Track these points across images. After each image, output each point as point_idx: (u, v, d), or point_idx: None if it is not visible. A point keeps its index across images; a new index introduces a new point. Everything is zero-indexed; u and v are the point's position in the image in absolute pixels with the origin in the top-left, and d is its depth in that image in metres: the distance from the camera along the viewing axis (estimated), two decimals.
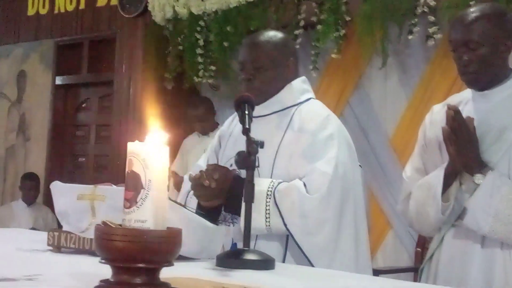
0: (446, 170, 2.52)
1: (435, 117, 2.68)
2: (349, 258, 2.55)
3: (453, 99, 2.73)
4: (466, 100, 2.65)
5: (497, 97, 2.55)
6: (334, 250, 2.51)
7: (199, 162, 2.91)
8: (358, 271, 2.48)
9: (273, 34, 2.80)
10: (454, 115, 2.44)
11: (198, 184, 2.54)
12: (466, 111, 2.56)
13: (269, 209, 2.50)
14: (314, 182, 2.50)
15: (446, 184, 2.52)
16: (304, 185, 2.51)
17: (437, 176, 2.54)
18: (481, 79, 2.53)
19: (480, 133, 2.50)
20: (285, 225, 2.49)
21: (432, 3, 4.82)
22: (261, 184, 2.51)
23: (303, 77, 2.82)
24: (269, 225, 2.50)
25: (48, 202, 6.53)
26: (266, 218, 2.50)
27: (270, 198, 2.50)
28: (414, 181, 2.68)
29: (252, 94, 2.52)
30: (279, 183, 2.54)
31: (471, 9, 2.56)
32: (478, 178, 2.46)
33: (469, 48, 2.50)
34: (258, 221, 2.47)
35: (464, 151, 2.47)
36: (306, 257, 2.48)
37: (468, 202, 2.49)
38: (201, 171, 2.56)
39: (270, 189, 2.52)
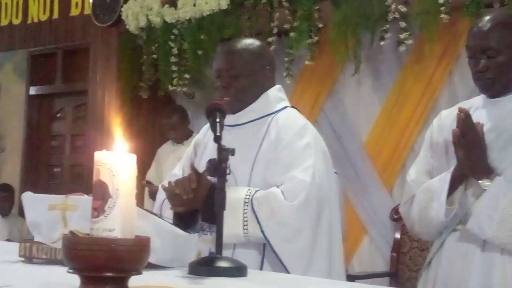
0: (453, 173, 2.53)
1: (443, 122, 2.71)
2: (324, 266, 2.56)
3: (464, 105, 2.73)
4: (475, 106, 2.68)
5: (509, 105, 2.58)
6: (310, 258, 2.52)
7: (174, 171, 2.91)
8: (332, 278, 2.49)
9: (250, 42, 2.80)
10: (464, 118, 2.47)
11: (172, 194, 2.54)
12: (477, 117, 2.58)
13: (246, 217, 2.50)
14: (292, 190, 2.51)
15: (452, 188, 2.53)
16: (282, 193, 2.52)
17: (443, 179, 2.55)
18: (496, 85, 2.57)
19: (490, 139, 2.52)
20: (262, 232, 2.50)
21: (403, 9, 4.86)
22: (239, 192, 2.52)
23: (279, 86, 2.83)
24: (247, 233, 2.51)
25: (23, 213, 6.49)
26: (244, 225, 2.51)
27: (248, 206, 2.51)
28: (418, 184, 2.69)
29: (228, 102, 2.52)
30: (256, 191, 2.55)
31: (489, 17, 2.59)
32: (485, 182, 2.47)
33: (487, 55, 2.54)
34: (236, 228, 2.48)
35: (472, 155, 2.48)
36: (283, 264, 2.48)
37: (473, 207, 2.50)
38: (175, 182, 2.55)
39: (247, 196, 2.53)
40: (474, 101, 2.72)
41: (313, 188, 2.53)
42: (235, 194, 2.45)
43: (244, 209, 2.51)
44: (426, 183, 2.65)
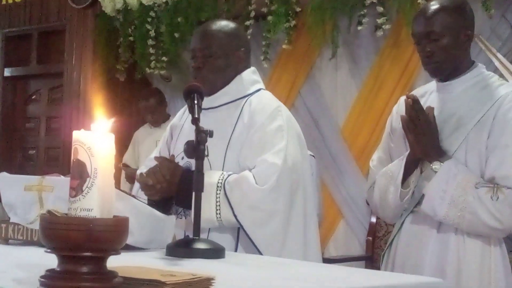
0: (407, 158, 2.61)
1: (401, 108, 2.75)
2: (298, 249, 2.56)
3: (419, 90, 2.83)
4: (430, 91, 2.75)
5: (459, 87, 2.64)
6: (284, 241, 2.52)
7: (152, 156, 2.90)
8: (307, 261, 2.50)
9: (225, 24, 2.79)
10: (412, 104, 2.52)
11: (146, 185, 2.54)
12: (430, 101, 2.67)
13: (219, 201, 2.50)
14: (263, 174, 2.51)
15: (407, 172, 2.60)
16: (253, 176, 2.52)
17: (399, 164, 2.63)
18: (444, 69, 2.62)
19: (441, 122, 2.59)
20: (235, 216, 2.49)
21: None
22: (212, 176, 2.51)
23: (253, 68, 2.82)
24: (219, 217, 2.50)
25: None
26: (217, 210, 2.50)
27: (220, 190, 2.50)
28: (379, 169, 2.76)
29: (201, 83, 2.52)
30: (229, 175, 2.54)
31: (432, 2, 2.65)
32: (436, 165, 2.55)
33: (431, 39, 2.59)
34: (209, 213, 2.48)
35: (423, 139, 2.55)
36: (257, 248, 2.49)
37: (425, 189, 2.57)
38: (146, 172, 2.55)
39: (220, 181, 2.52)
40: (430, 86, 2.79)
41: (284, 171, 2.52)
42: (209, 178, 2.44)
43: (217, 193, 2.50)
44: (385, 168, 2.72)
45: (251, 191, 2.49)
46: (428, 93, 2.75)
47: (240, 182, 2.51)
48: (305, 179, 2.64)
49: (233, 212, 2.49)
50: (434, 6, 2.62)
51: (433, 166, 2.55)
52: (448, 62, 2.61)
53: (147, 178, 2.53)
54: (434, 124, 2.56)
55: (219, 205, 2.50)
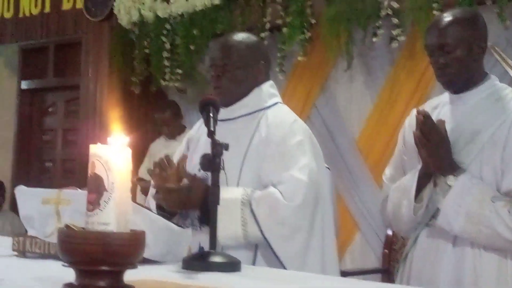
0: (420, 172, 2.58)
1: (414, 121, 2.74)
2: (317, 262, 2.57)
3: (431, 102, 2.81)
4: (443, 103, 2.73)
5: (472, 99, 2.62)
6: (305, 255, 2.54)
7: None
8: (325, 274, 2.50)
9: (246, 36, 2.82)
10: (423, 120, 2.50)
11: (165, 190, 2.55)
12: (443, 114, 2.65)
13: (245, 218, 2.51)
14: (290, 190, 2.52)
15: (420, 186, 2.58)
16: (280, 193, 2.52)
17: (411, 178, 2.61)
18: (458, 81, 2.61)
19: (454, 135, 2.57)
20: (261, 232, 2.50)
21: (396, 6, 4.87)
22: (234, 193, 2.52)
23: (271, 82, 2.83)
24: (246, 233, 2.51)
25: (15, 208, 6.48)
26: (243, 226, 2.51)
27: (245, 206, 2.51)
28: (392, 183, 2.75)
29: (219, 93, 2.53)
30: (252, 191, 2.55)
31: (445, 14, 2.64)
32: (450, 179, 2.52)
33: (444, 51, 2.58)
34: (234, 229, 2.49)
35: (436, 153, 2.53)
36: (281, 263, 2.49)
37: (441, 203, 2.55)
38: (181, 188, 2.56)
39: (244, 197, 2.53)
40: (442, 98, 2.77)
41: (310, 187, 2.55)
42: (230, 194, 2.46)
43: (242, 210, 2.51)
44: (398, 181, 2.71)
45: (279, 207, 2.50)
46: (441, 105, 2.73)
47: (267, 199, 2.52)
48: (324, 193, 2.65)
49: (260, 228, 2.50)
50: (447, 18, 2.61)
51: (448, 180, 2.53)
52: (461, 74, 2.60)
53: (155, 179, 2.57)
54: (446, 138, 2.54)
55: (245, 222, 2.50)
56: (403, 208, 2.63)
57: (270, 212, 2.50)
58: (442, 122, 2.56)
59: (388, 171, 2.84)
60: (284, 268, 2.47)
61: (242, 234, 2.51)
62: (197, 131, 2.90)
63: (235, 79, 2.70)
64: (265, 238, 2.50)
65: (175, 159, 2.91)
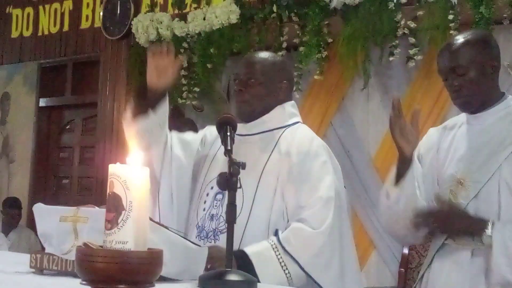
0: (398, 160, 2.65)
1: (430, 139, 2.79)
2: (353, 279, 2.64)
3: (449, 123, 2.83)
4: (460, 123, 2.74)
5: (489, 119, 2.63)
6: (343, 277, 2.57)
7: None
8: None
9: (272, 55, 2.90)
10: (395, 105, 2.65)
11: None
12: (460, 133, 2.68)
13: (282, 260, 2.51)
14: (319, 215, 2.54)
15: (400, 171, 2.64)
16: (306, 220, 2.54)
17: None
18: (473, 102, 2.62)
19: (472, 153, 2.59)
20: (302, 268, 2.51)
21: (413, 25, 4.88)
22: (261, 243, 2.53)
23: (293, 102, 2.87)
24: (289, 275, 2.51)
25: (32, 224, 6.51)
26: (284, 269, 2.51)
27: (278, 249, 2.52)
28: None
29: (240, 107, 2.56)
30: (275, 235, 2.55)
31: (456, 37, 2.67)
32: (486, 236, 2.50)
33: (457, 74, 2.60)
34: (278, 275, 2.49)
35: (456, 224, 2.55)
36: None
37: (490, 263, 2.50)
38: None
39: (272, 242, 2.53)
40: (460, 118, 2.78)
41: (337, 208, 2.57)
42: (258, 246, 2.49)
43: (276, 254, 2.51)
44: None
45: (311, 239, 2.52)
46: (458, 125, 2.74)
47: (296, 234, 2.53)
48: (345, 212, 2.68)
49: (300, 265, 2.51)
50: (457, 41, 2.63)
51: (484, 239, 2.50)
52: (476, 95, 2.61)
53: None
54: (459, 207, 2.55)
55: (284, 264, 2.51)
56: (383, 199, 2.70)
57: (305, 247, 2.51)
58: (397, 98, 2.68)
59: None
60: None
61: (286, 278, 2.50)
62: (211, 144, 2.90)
63: (257, 94, 2.74)
64: (306, 273, 2.51)
65: (196, 138, 2.97)
